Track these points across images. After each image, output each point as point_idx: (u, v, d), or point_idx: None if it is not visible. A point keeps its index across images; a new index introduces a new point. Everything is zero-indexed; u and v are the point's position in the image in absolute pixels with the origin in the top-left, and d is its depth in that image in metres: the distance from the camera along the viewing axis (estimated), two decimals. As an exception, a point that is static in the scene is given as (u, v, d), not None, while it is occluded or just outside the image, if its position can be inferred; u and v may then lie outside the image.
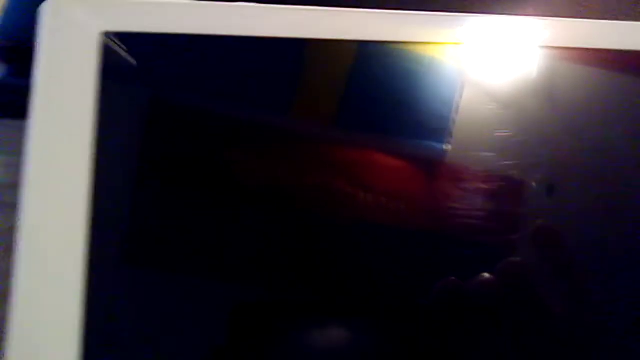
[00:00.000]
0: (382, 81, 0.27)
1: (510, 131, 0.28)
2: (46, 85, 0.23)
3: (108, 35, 0.24)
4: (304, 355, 0.24)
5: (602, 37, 0.28)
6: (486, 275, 0.26)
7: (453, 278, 0.25)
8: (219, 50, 0.26)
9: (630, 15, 0.32)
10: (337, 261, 0.25)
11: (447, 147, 0.27)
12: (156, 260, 0.23)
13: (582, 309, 0.27)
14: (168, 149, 0.24)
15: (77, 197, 0.22)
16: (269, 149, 0.26)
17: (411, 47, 0.27)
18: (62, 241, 0.22)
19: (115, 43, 0.24)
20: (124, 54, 0.24)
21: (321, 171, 0.26)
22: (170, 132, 0.24)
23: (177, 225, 0.24)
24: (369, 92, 0.27)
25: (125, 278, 0.23)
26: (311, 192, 0.26)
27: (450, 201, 0.27)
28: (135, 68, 0.24)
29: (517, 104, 0.28)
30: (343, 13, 0.26)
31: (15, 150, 0.27)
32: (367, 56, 0.27)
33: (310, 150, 0.26)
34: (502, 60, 0.28)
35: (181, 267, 0.24)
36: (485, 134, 0.28)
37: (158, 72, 0.25)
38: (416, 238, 0.27)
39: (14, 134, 0.28)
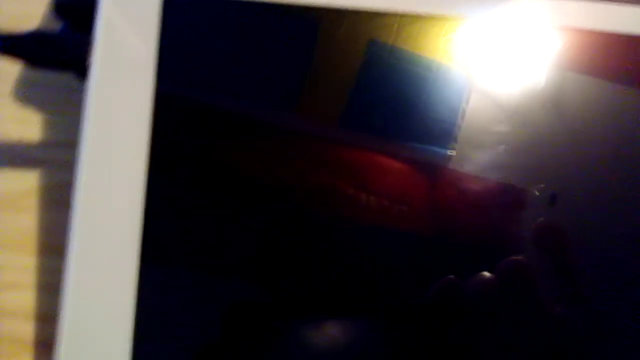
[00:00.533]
0: (389, 83, 0.27)
1: (515, 138, 0.28)
2: (106, 45, 0.22)
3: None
4: (303, 355, 0.24)
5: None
6: (486, 274, 0.26)
7: (452, 277, 0.25)
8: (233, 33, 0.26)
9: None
10: (336, 261, 0.25)
11: (452, 152, 0.27)
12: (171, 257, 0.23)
13: (582, 310, 0.27)
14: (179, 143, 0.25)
15: (136, 158, 0.22)
16: (272, 146, 0.26)
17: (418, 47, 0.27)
18: (120, 200, 0.21)
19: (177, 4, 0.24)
20: (184, 16, 0.24)
21: (324, 171, 0.26)
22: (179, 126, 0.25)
23: (187, 223, 0.24)
24: (376, 93, 0.27)
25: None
26: (312, 192, 0.26)
27: (452, 207, 0.27)
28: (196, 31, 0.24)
29: (523, 112, 0.28)
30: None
31: (62, 109, 0.29)
32: (377, 56, 0.27)
33: (314, 150, 0.26)
34: (510, 68, 0.28)
35: (193, 263, 0.24)
36: (490, 141, 0.28)
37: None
38: (416, 241, 0.27)
39: (62, 94, 0.29)
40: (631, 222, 0.28)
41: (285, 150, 0.26)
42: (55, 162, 0.28)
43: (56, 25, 0.26)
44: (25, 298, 0.26)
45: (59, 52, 0.25)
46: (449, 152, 0.27)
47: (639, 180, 0.29)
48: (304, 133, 0.26)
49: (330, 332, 0.25)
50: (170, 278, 0.23)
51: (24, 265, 0.26)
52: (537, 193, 0.28)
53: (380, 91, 0.27)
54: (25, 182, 0.28)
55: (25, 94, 0.29)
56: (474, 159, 0.27)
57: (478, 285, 0.25)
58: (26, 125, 0.28)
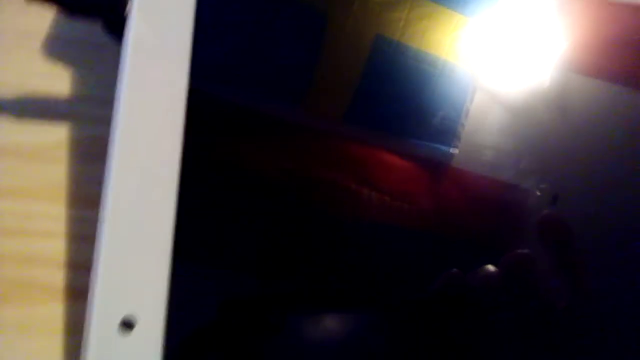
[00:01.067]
0: (395, 79, 0.27)
1: (519, 138, 0.28)
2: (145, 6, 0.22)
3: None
4: (310, 350, 0.24)
5: None
6: (490, 267, 0.26)
7: (455, 270, 0.25)
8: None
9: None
10: (337, 256, 0.25)
11: (455, 150, 0.27)
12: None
13: (585, 303, 0.27)
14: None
15: (172, 121, 0.22)
16: (276, 140, 0.26)
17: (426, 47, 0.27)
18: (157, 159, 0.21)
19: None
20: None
21: (327, 166, 0.26)
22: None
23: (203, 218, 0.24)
24: (381, 89, 0.27)
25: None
26: (315, 187, 0.26)
27: (454, 205, 0.27)
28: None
29: (527, 112, 0.28)
30: None
31: (91, 65, 0.29)
32: (383, 51, 0.27)
33: (319, 145, 0.26)
34: (515, 67, 0.28)
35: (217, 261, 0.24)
36: (493, 140, 0.28)
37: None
38: (417, 238, 0.27)
39: (91, 50, 0.29)
40: (633, 224, 0.28)
41: (289, 144, 0.26)
42: (84, 117, 0.28)
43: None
44: (57, 247, 0.27)
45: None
46: (452, 150, 0.27)
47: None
48: (308, 128, 0.26)
49: (333, 327, 0.25)
50: (204, 233, 0.23)
51: (55, 215, 0.27)
52: (538, 193, 0.28)
53: (385, 87, 0.27)
54: (55, 135, 0.28)
55: (55, 50, 0.29)
56: (477, 158, 0.27)
57: (482, 278, 0.25)
58: (55, 80, 0.29)
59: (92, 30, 0.27)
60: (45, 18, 0.29)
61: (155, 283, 0.20)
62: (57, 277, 0.26)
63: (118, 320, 0.20)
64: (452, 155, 0.27)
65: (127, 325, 0.20)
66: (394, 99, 0.27)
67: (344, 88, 0.26)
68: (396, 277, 0.26)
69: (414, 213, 0.27)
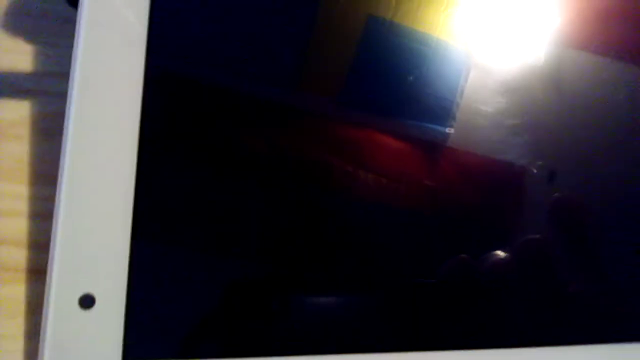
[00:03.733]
0: (388, 59, 0.26)
1: (514, 116, 0.28)
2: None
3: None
4: (313, 333, 0.24)
5: None
6: (500, 253, 0.26)
7: (463, 255, 0.25)
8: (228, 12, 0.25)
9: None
10: (333, 238, 0.25)
11: (450, 130, 0.27)
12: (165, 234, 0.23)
13: (598, 287, 0.26)
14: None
15: (129, 99, 0.21)
16: (270, 122, 0.25)
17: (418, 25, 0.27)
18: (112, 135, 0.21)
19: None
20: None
21: (321, 148, 0.26)
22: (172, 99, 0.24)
23: (182, 197, 0.24)
24: (374, 70, 0.26)
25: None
26: (309, 169, 0.25)
27: (450, 184, 0.27)
28: None
29: (522, 89, 0.28)
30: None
31: (55, 40, 0.28)
32: (375, 31, 0.26)
33: (312, 127, 0.26)
34: (509, 44, 0.28)
35: (189, 241, 0.24)
36: (489, 119, 0.27)
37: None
38: (414, 219, 0.27)
39: (54, 25, 0.28)
40: (632, 200, 0.28)
41: (283, 127, 0.25)
42: (47, 93, 0.28)
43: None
44: (18, 225, 0.26)
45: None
46: (447, 130, 0.27)
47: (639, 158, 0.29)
48: (302, 110, 0.26)
49: (330, 310, 0.25)
50: (164, 216, 0.23)
51: (17, 193, 0.26)
52: (534, 171, 0.28)
53: (378, 68, 0.26)
54: (17, 112, 0.27)
55: (17, 24, 0.28)
56: (473, 137, 0.27)
57: (492, 264, 0.25)
58: (18, 55, 0.28)
59: (56, 3, 0.26)
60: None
61: (115, 260, 0.20)
62: (19, 257, 0.26)
63: (77, 297, 0.19)
64: (447, 134, 0.27)
65: (88, 301, 0.19)
66: (387, 79, 0.27)
67: (336, 70, 0.26)
68: (395, 258, 0.26)
69: (410, 194, 0.26)
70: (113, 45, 0.22)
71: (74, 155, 0.20)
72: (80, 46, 0.21)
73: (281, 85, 0.26)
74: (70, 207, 0.20)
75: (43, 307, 0.20)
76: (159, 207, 0.23)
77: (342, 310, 0.25)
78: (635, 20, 0.29)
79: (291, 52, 0.26)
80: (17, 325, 0.25)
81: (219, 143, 0.24)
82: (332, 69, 0.26)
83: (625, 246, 0.28)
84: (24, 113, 0.27)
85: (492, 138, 0.27)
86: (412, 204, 0.26)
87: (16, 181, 0.27)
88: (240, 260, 0.24)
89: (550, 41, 0.28)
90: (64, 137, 0.21)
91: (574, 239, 0.27)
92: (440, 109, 0.27)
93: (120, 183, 0.21)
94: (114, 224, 0.21)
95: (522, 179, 0.28)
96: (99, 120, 0.21)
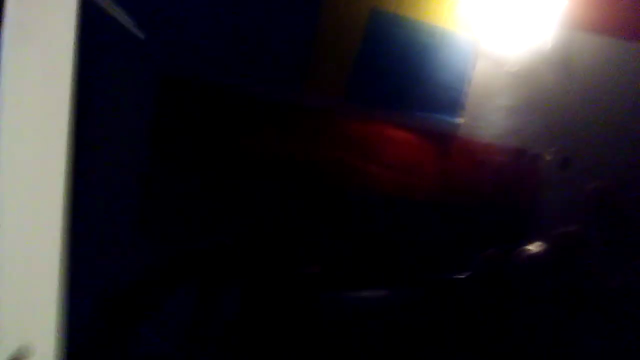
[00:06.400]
0: (394, 52, 0.26)
1: (524, 102, 0.27)
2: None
3: None
4: (340, 330, 0.24)
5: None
6: (535, 246, 0.25)
7: (493, 249, 0.24)
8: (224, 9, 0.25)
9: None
10: (345, 232, 0.25)
11: (460, 120, 0.27)
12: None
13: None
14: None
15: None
16: (281, 120, 0.25)
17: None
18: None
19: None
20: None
21: (330, 144, 0.25)
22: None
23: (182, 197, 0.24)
24: (380, 64, 0.26)
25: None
26: (323, 167, 0.25)
27: (462, 174, 0.27)
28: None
29: (532, 75, 0.27)
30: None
31: None
32: (379, 25, 0.26)
33: (320, 123, 0.26)
34: (516, 30, 0.27)
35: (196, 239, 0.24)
36: (499, 106, 0.27)
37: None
38: (426, 211, 0.26)
39: None
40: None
41: (289, 124, 0.25)
42: None
43: None
44: None
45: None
46: (457, 120, 0.27)
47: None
48: (309, 107, 0.26)
49: (355, 306, 0.24)
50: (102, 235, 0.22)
51: None
52: (547, 157, 0.27)
53: (384, 62, 0.26)
54: None
55: None
56: (483, 126, 0.27)
57: (528, 258, 0.25)
58: None
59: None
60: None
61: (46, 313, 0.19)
62: None
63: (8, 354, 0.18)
64: (457, 124, 0.27)
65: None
66: (394, 72, 0.26)
67: (342, 66, 0.26)
68: (410, 250, 0.26)
69: (422, 185, 0.26)
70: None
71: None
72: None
73: (286, 83, 0.26)
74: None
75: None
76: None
77: (373, 306, 0.24)
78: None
79: (295, 49, 0.26)
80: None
81: (225, 146, 0.24)
82: (337, 64, 0.26)
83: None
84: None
85: (503, 125, 0.27)
86: (425, 196, 0.26)
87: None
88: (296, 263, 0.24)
89: (556, 23, 0.27)
90: None
91: (610, 228, 0.26)
92: (449, 99, 0.27)
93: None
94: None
95: (535, 166, 0.27)
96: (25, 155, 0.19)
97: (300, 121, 0.25)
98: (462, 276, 0.25)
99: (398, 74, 0.26)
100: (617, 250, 0.26)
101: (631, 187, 0.27)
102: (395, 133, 0.26)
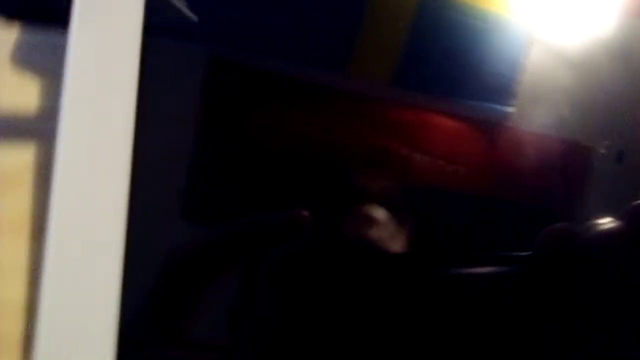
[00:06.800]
0: (444, 37, 0.25)
1: (579, 93, 0.26)
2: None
3: None
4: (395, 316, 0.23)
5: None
6: (610, 221, 0.22)
7: (560, 224, 0.23)
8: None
9: None
10: (388, 223, 0.25)
11: (511, 109, 0.26)
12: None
13: None
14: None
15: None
16: (323, 107, 0.25)
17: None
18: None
19: None
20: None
21: (377, 132, 0.25)
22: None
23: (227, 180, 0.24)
24: (431, 49, 0.25)
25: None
26: (369, 155, 0.25)
27: (512, 166, 0.26)
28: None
29: (588, 64, 0.26)
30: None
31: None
32: (430, 9, 0.25)
33: (367, 110, 0.25)
34: (573, 17, 0.26)
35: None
36: (552, 96, 0.26)
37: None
38: (474, 203, 0.26)
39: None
40: None
41: (337, 111, 0.25)
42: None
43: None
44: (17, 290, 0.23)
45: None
46: (508, 109, 0.26)
47: None
48: (356, 93, 0.25)
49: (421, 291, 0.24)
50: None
51: (18, 248, 0.23)
52: (602, 151, 0.26)
53: (434, 47, 0.26)
54: (23, 157, 0.24)
55: (20, 58, 0.24)
56: (535, 116, 0.26)
57: (601, 234, 0.22)
58: (22, 93, 0.24)
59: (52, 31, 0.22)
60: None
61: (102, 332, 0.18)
62: (15, 326, 0.23)
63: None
64: (508, 114, 0.26)
65: None
66: (444, 58, 0.26)
67: (391, 50, 0.25)
68: (455, 243, 0.25)
69: (470, 176, 0.26)
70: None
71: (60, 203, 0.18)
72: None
73: (334, 68, 0.25)
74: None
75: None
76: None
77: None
78: None
79: (343, 34, 0.25)
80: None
81: (299, 136, 0.24)
82: (385, 48, 0.25)
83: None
84: (29, 158, 0.24)
85: (556, 116, 0.26)
86: (473, 187, 0.25)
87: (19, 235, 0.23)
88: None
89: (618, 11, 0.26)
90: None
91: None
92: (500, 87, 0.26)
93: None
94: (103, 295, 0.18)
95: (589, 159, 0.26)
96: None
97: (344, 107, 0.25)
98: (530, 253, 0.23)
99: (448, 59, 0.26)
100: None
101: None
102: (443, 121, 0.26)
